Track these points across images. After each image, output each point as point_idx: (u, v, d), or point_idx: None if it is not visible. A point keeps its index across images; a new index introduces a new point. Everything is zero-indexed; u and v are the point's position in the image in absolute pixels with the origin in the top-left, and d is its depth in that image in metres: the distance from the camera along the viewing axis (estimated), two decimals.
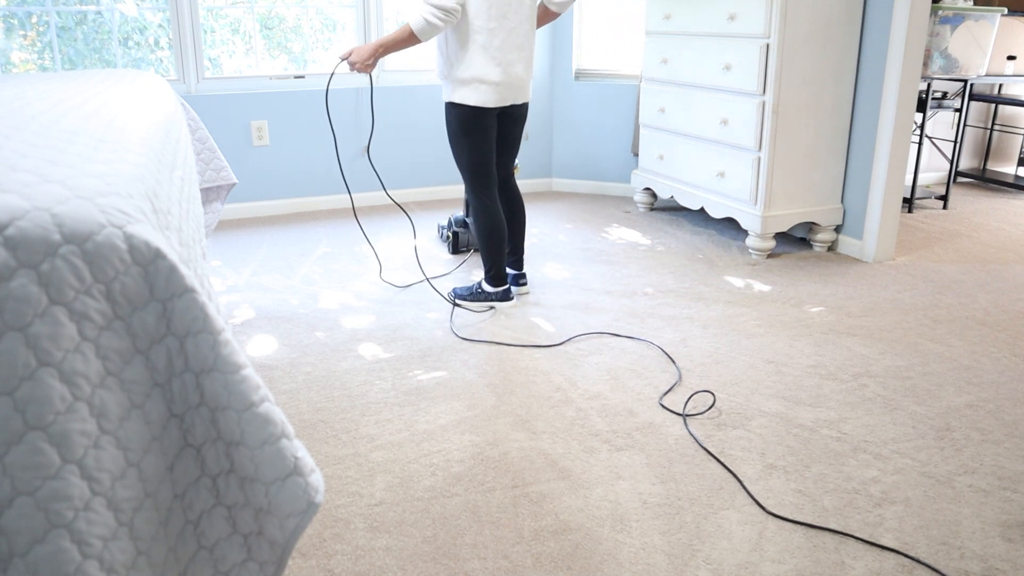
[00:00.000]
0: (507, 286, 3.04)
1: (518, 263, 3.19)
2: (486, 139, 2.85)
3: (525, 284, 3.20)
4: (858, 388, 2.41)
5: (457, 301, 3.07)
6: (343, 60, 2.80)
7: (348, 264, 3.56)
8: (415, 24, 2.63)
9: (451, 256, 3.70)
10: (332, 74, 2.94)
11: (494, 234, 2.97)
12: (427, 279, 3.11)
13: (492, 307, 3.03)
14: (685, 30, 3.89)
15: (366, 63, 2.75)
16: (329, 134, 4.42)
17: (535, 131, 4.90)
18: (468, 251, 3.70)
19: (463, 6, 2.66)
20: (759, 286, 3.29)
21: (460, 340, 2.75)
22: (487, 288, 3.03)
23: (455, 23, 2.67)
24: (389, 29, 4.48)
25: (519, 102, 2.88)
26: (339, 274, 3.43)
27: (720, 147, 3.76)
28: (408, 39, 2.67)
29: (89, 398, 0.90)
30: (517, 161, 3.49)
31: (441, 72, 2.83)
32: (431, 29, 2.63)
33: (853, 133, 3.64)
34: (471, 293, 3.06)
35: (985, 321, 2.92)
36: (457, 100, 2.79)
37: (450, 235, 3.70)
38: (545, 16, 3.02)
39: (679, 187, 4.08)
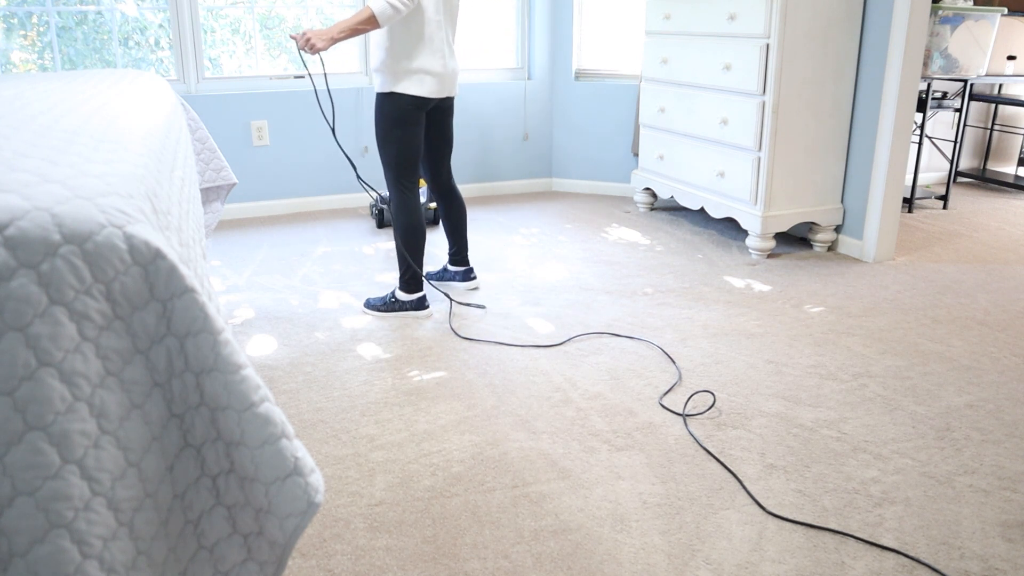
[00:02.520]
0: (423, 294, 2.96)
1: (464, 259, 3.21)
2: (418, 132, 2.83)
3: (475, 278, 3.23)
4: (858, 388, 2.41)
5: (366, 311, 3.00)
6: (294, 39, 2.70)
7: (348, 264, 3.56)
8: (377, 7, 2.59)
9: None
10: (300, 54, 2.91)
11: (416, 232, 2.89)
12: (426, 279, 3.10)
13: (483, 306, 3.02)
14: (685, 30, 3.89)
15: (322, 39, 2.65)
16: (329, 134, 4.42)
17: (535, 131, 4.90)
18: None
19: None
20: (759, 286, 3.29)
21: (460, 340, 2.75)
22: (400, 296, 2.94)
23: (410, 12, 2.68)
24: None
25: (450, 95, 2.89)
26: (339, 274, 3.43)
27: (720, 147, 3.76)
28: (367, 22, 2.62)
29: (89, 398, 0.90)
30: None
31: (381, 63, 2.76)
32: (393, 14, 2.60)
33: (853, 133, 3.64)
34: (384, 303, 2.97)
35: (985, 321, 2.92)
36: (400, 90, 2.74)
37: (378, 211, 4.06)
38: None
39: (679, 187, 4.08)
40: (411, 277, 2.93)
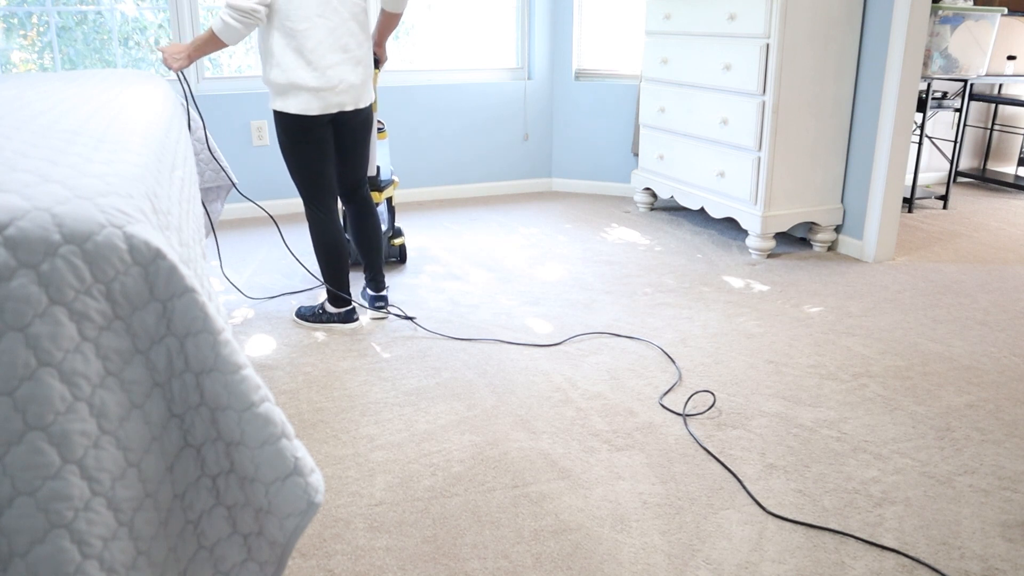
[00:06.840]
0: (351, 307, 2.85)
1: (376, 284, 2.95)
2: (317, 149, 2.63)
3: (383, 306, 2.93)
4: (858, 388, 2.41)
5: (297, 320, 2.91)
6: (160, 51, 2.62)
7: None
8: (215, 25, 2.46)
9: None
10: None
11: (330, 251, 2.77)
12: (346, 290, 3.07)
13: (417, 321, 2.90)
14: (685, 30, 3.89)
15: (176, 58, 2.56)
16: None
17: (535, 131, 4.90)
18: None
19: (269, 6, 2.44)
20: (759, 286, 3.29)
21: (460, 340, 2.75)
22: (329, 309, 2.86)
23: (258, 24, 2.46)
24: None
25: (349, 108, 2.62)
26: None
27: (720, 147, 3.76)
28: (210, 40, 2.48)
29: (89, 398, 0.90)
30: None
31: (263, 77, 2.60)
32: (230, 32, 2.43)
33: (853, 133, 3.64)
34: (313, 314, 2.88)
35: (985, 321, 2.92)
36: (278, 108, 2.57)
37: None
38: (388, 22, 2.81)
39: (679, 187, 4.08)
40: (335, 293, 2.82)
